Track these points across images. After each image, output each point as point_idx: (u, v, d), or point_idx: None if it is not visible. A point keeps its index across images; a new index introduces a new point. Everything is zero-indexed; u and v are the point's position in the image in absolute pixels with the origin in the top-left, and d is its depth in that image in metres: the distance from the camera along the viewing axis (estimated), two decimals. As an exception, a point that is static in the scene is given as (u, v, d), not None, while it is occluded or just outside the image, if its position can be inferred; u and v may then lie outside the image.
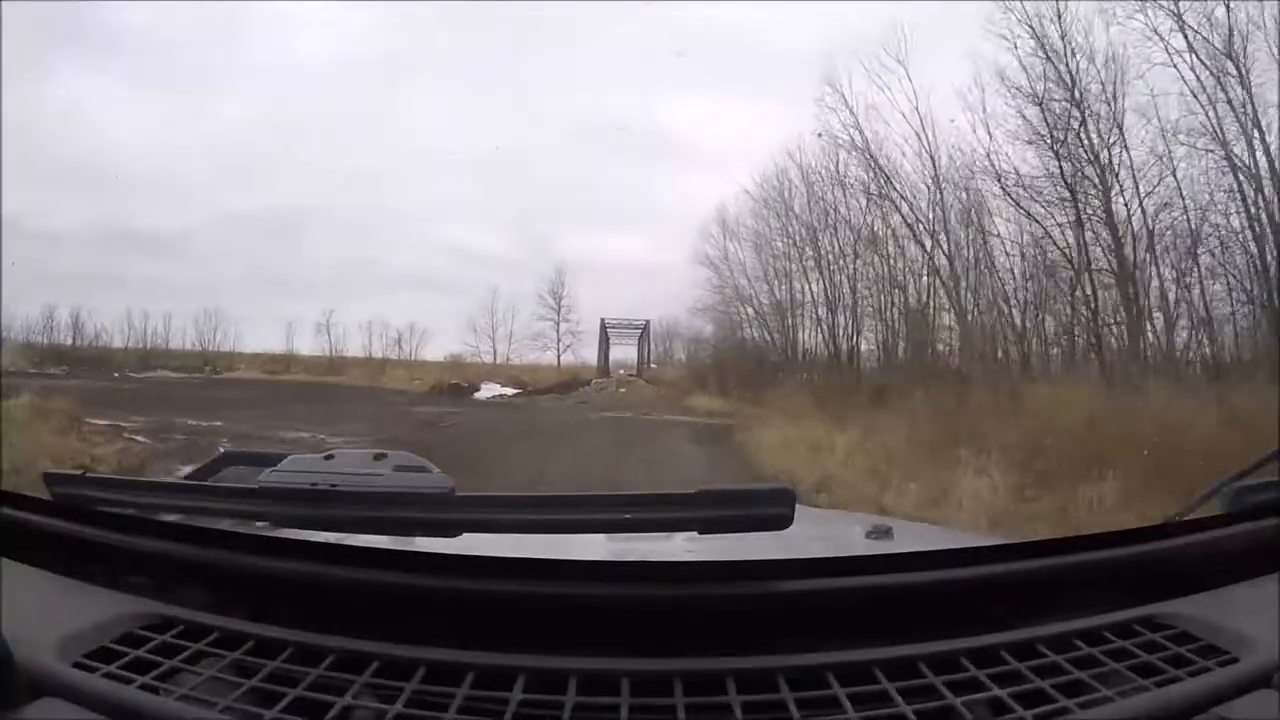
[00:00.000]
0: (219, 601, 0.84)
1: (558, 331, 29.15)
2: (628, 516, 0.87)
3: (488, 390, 22.79)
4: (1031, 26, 13.45)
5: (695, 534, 0.90)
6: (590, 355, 29.21)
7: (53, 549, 0.91)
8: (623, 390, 25.04)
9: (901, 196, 16.15)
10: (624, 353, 30.08)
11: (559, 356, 29.14)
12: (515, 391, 23.12)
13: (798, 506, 0.81)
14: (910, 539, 1.45)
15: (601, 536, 1.15)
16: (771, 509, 0.81)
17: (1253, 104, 11.85)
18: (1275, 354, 10.71)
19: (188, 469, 1.22)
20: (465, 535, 0.89)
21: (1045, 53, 13.42)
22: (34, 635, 0.72)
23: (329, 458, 0.99)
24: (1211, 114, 12.15)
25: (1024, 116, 13.79)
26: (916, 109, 15.33)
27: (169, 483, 1.01)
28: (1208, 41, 12.02)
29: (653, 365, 29.77)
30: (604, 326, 28.30)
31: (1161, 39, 12.30)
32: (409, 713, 0.69)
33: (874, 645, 0.76)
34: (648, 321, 29.09)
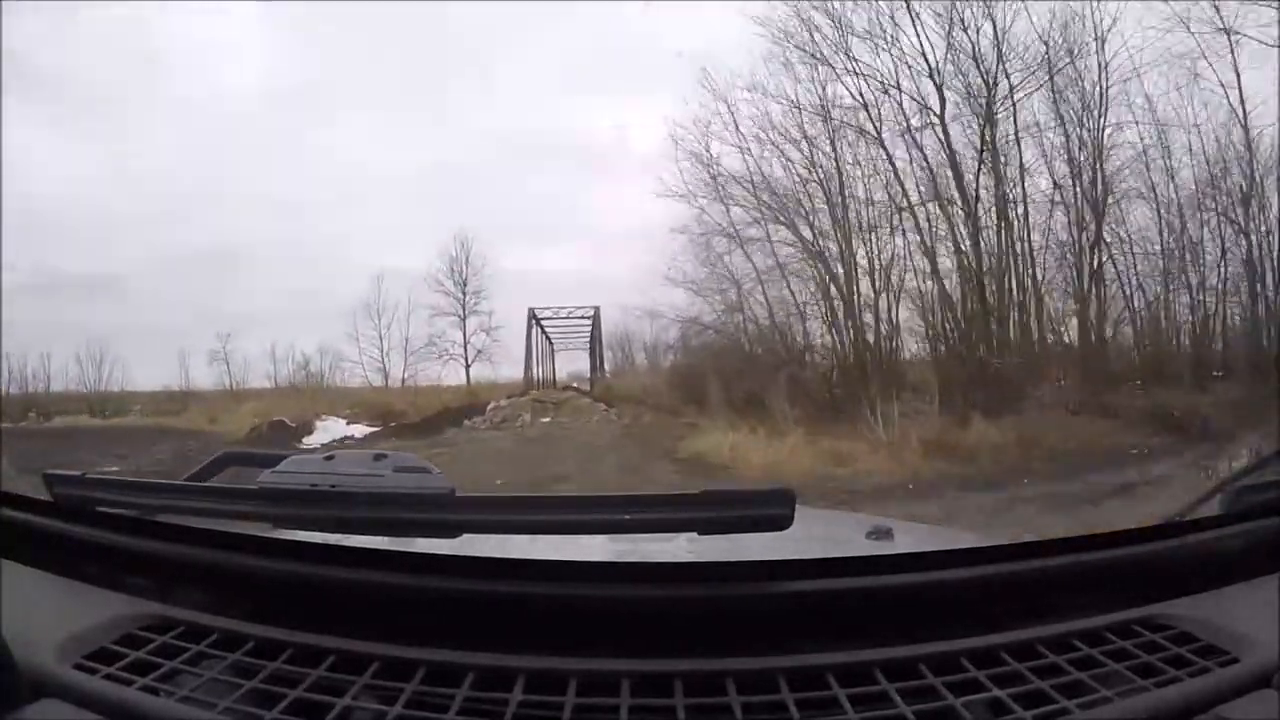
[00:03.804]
0: (219, 602, 0.84)
1: (463, 330, 19.29)
2: (627, 517, 0.87)
3: (326, 430, 14.54)
4: None
5: (695, 534, 0.90)
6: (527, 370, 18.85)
7: (53, 549, 0.92)
8: (545, 420, 14.40)
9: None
10: (569, 361, 21.08)
11: (467, 368, 19.31)
12: (373, 429, 14.67)
13: (798, 507, 0.81)
14: (910, 539, 1.44)
15: (602, 537, 1.15)
16: (771, 509, 0.81)
17: None
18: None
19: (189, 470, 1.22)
20: (465, 536, 0.89)
21: None
22: (34, 636, 0.73)
23: (329, 458, 0.99)
24: None
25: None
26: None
27: (169, 483, 1.00)
28: None
29: (607, 374, 19.62)
30: (533, 319, 18.61)
31: None
32: (409, 714, 0.69)
33: (874, 646, 0.76)
34: (597, 309, 18.89)
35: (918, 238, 11.05)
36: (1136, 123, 10.89)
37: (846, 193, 11.37)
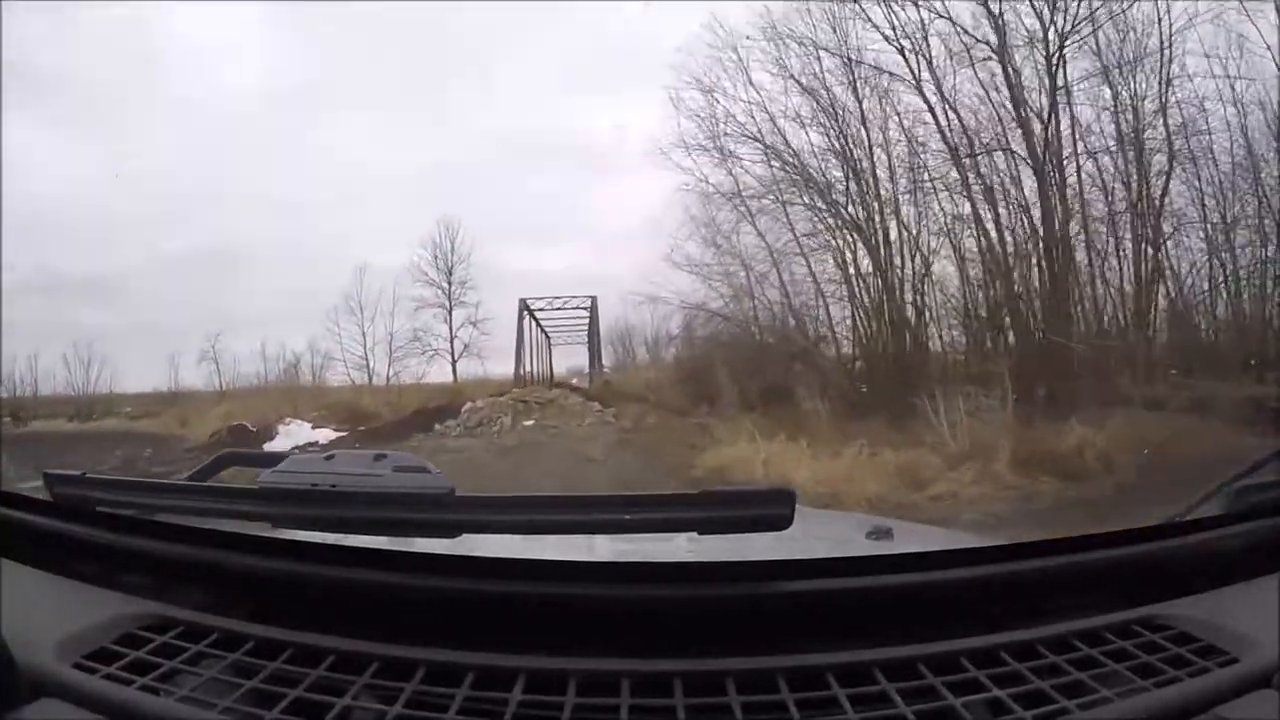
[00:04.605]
0: (219, 602, 0.84)
1: (449, 322, 17.77)
2: (627, 517, 0.87)
3: (289, 435, 13.77)
4: None
5: (695, 534, 0.90)
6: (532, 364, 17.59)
7: (53, 549, 0.92)
8: (528, 424, 12.88)
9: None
10: (568, 356, 19.71)
11: (454, 364, 17.87)
12: (340, 433, 13.81)
13: (798, 507, 0.81)
14: (910, 540, 1.44)
15: (602, 537, 1.15)
16: (771, 509, 0.81)
17: None
18: None
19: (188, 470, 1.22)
20: (465, 536, 0.89)
21: None
22: (34, 635, 0.73)
23: (329, 458, 0.99)
24: None
25: None
26: None
27: (169, 483, 1.01)
28: None
29: (605, 370, 18.28)
30: (525, 310, 17.25)
31: None
32: (409, 714, 0.69)
33: (874, 646, 0.76)
34: (594, 299, 17.52)
35: (966, 199, 9.18)
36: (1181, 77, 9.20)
37: (875, 151, 9.52)
